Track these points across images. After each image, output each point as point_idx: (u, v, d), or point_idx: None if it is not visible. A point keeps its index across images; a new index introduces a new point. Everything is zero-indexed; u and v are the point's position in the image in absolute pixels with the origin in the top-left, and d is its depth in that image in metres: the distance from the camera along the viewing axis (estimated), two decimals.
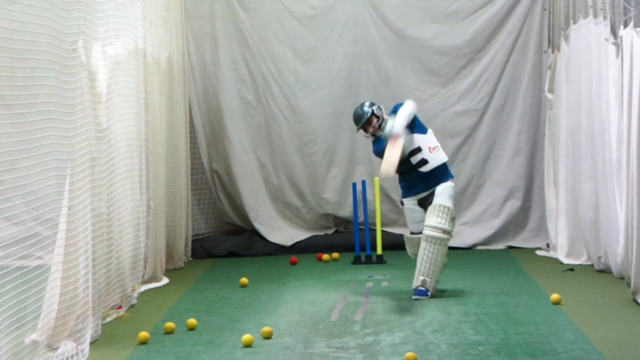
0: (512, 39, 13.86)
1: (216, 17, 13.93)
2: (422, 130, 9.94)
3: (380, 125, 9.97)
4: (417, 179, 9.93)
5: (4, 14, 6.84)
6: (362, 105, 10.11)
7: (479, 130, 13.99)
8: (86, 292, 7.93)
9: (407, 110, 9.75)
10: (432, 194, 9.85)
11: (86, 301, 7.95)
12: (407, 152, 9.86)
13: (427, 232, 9.69)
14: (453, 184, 9.93)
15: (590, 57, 11.09)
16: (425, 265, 9.69)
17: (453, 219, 9.74)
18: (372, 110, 10.00)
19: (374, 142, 10.12)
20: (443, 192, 9.80)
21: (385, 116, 10.03)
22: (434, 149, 9.90)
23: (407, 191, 10.02)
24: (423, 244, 9.70)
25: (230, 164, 14.02)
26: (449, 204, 9.75)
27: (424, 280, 9.70)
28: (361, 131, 10.13)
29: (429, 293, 9.69)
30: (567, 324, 8.34)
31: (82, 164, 7.92)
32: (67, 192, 7.59)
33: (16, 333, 6.84)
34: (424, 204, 9.91)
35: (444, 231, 9.67)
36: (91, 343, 7.98)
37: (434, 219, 9.68)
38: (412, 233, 10.13)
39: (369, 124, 10.01)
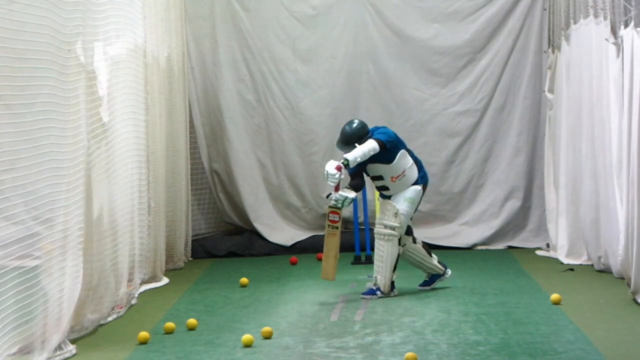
0: (512, 39, 13.85)
1: (216, 17, 13.92)
2: (387, 159, 9.90)
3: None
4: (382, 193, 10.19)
5: (4, 14, 6.84)
6: (352, 122, 10.08)
7: (479, 130, 13.98)
8: (80, 290, 7.94)
9: (358, 154, 9.68)
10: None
11: (80, 299, 7.96)
12: (370, 175, 10.08)
13: (375, 229, 10.00)
14: (418, 187, 9.98)
15: (591, 57, 11.08)
16: (376, 263, 10.00)
17: (396, 214, 9.82)
18: (359, 137, 9.85)
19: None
20: (399, 194, 9.96)
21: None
22: (397, 177, 9.94)
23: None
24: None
25: (230, 164, 14.01)
26: (395, 202, 9.89)
27: (375, 278, 10.00)
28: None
29: (378, 292, 9.93)
30: (567, 324, 8.33)
31: (79, 164, 7.90)
32: (65, 192, 7.59)
33: (15, 332, 6.83)
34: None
35: (385, 226, 9.87)
36: (89, 342, 7.98)
37: (379, 215, 9.96)
38: None
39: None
